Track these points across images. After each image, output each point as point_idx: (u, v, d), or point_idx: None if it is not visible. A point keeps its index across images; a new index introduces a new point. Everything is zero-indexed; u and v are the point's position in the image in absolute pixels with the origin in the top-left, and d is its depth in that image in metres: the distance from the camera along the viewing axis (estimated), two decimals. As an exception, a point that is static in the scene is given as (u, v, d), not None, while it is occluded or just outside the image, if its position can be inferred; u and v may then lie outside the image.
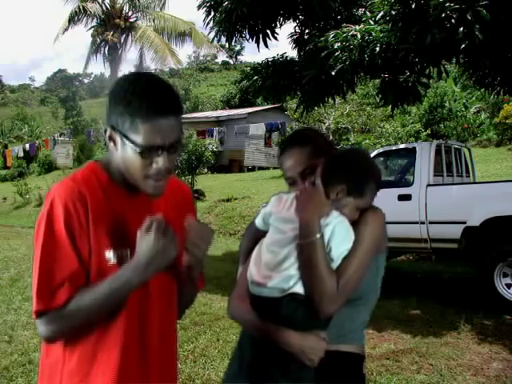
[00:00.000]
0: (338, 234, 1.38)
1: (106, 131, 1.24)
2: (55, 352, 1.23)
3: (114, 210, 1.24)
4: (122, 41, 19.33)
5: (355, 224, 1.43)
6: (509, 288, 5.18)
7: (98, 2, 18.95)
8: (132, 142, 1.18)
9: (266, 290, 1.40)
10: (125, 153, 1.21)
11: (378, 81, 6.65)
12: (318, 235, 1.34)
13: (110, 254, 1.21)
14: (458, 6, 4.14)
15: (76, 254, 1.17)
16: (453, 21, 4.18)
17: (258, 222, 1.54)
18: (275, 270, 1.40)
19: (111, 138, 1.23)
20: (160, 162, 1.20)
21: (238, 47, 72.86)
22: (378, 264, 1.52)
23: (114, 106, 1.20)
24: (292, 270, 1.38)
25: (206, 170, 18.58)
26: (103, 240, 1.20)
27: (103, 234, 1.20)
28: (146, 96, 1.17)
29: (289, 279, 1.37)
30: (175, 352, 1.42)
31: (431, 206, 5.66)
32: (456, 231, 5.42)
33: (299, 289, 1.36)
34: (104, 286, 1.17)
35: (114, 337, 1.21)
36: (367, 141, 16.83)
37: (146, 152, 1.18)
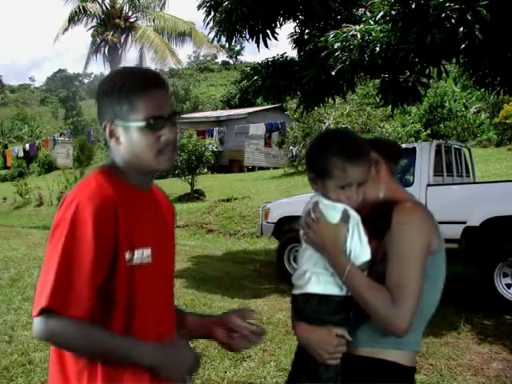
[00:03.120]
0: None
1: (105, 128, 1.24)
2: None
3: (136, 211, 1.24)
4: (122, 41, 19.28)
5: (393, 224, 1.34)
6: (509, 288, 5.17)
7: (98, 2, 18.92)
8: (136, 120, 1.21)
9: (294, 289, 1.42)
10: (131, 138, 1.22)
11: (378, 81, 6.65)
12: (348, 266, 1.28)
13: (131, 255, 1.19)
14: (458, 6, 4.14)
15: (100, 260, 1.14)
16: (453, 21, 4.18)
17: None
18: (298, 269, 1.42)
19: (112, 134, 1.24)
20: (166, 132, 1.23)
21: (238, 47, 72.82)
22: (427, 267, 1.36)
23: (106, 99, 1.23)
24: (306, 271, 1.37)
25: (206, 170, 18.58)
26: (130, 241, 1.19)
27: (130, 235, 1.19)
28: (135, 74, 1.24)
29: (302, 278, 1.37)
30: None
31: (431, 206, 5.65)
32: (456, 231, 5.41)
33: (311, 289, 1.34)
34: (114, 342, 1.16)
35: None
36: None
37: (151, 125, 1.21)
